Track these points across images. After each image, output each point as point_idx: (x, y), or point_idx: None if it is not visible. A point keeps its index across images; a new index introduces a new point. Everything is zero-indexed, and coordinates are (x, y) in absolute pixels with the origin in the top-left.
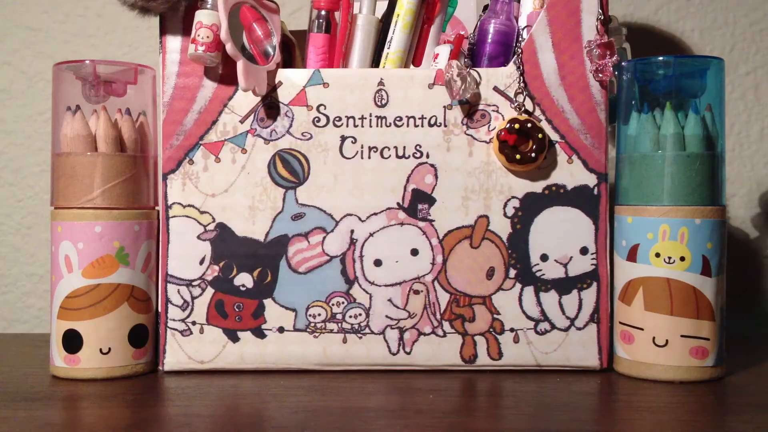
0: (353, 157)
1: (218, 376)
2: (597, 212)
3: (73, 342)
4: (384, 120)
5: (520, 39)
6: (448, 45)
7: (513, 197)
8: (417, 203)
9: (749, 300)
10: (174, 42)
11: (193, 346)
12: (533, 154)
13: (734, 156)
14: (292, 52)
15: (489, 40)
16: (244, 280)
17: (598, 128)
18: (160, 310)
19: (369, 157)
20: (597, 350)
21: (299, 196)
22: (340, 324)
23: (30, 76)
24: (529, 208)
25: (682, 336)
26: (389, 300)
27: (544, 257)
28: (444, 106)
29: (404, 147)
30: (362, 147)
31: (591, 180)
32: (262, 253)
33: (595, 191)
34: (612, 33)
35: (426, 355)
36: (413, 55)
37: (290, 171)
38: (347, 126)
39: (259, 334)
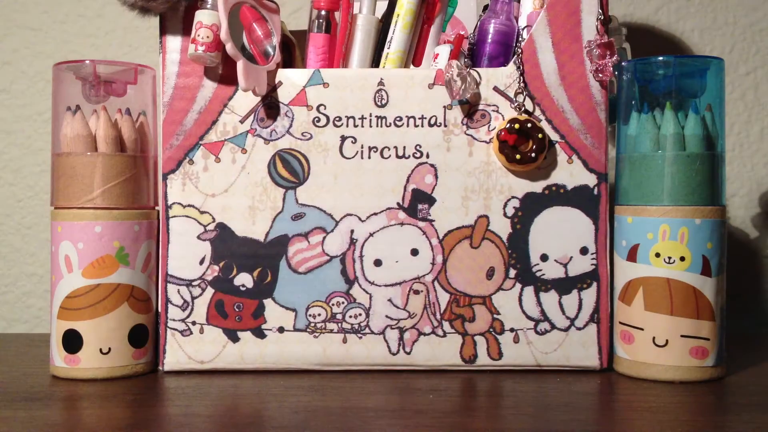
0: (353, 157)
1: (218, 376)
2: (597, 212)
3: (73, 342)
4: (384, 120)
5: (520, 39)
6: (448, 45)
7: (513, 197)
8: (417, 203)
9: (749, 300)
10: (174, 42)
11: (193, 346)
12: (533, 154)
13: (734, 156)
14: (292, 52)
15: (489, 40)
16: (244, 280)
17: (598, 128)
18: (160, 310)
19: (369, 157)
20: (597, 350)
21: (299, 196)
22: (340, 324)
23: (30, 76)
24: (529, 208)
25: (682, 336)
26: (389, 300)
27: (544, 257)
28: (444, 106)
29: (404, 147)
30: (362, 147)
31: (591, 180)
32: (262, 253)
33: (595, 191)
34: (612, 33)
35: (426, 355)
36: (413, 55)
37: (290, 171)
38: (347, 126)
39: (259, 334)
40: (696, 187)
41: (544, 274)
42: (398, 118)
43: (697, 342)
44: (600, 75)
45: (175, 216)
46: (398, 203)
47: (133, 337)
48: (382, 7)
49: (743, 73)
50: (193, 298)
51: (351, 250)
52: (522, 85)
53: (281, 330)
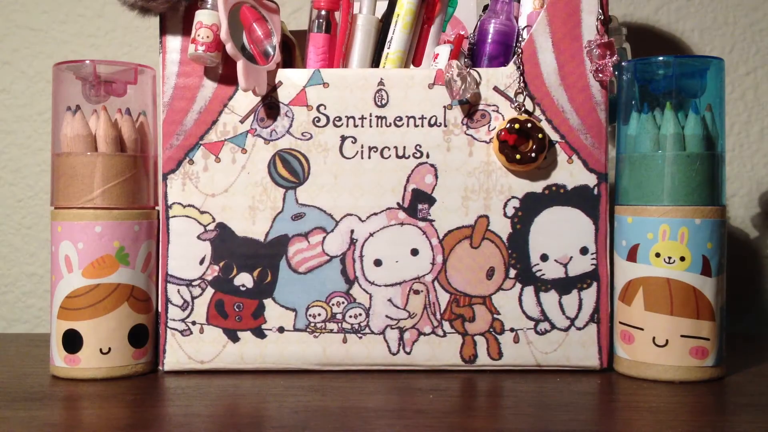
0: (353, 157)
1: (218, 376)
2: (597, 212)
3: (73, 342)
4: (384, 120)
5: (520, 39)
6: (448, 45)
7: (513, 197)
8: (417, 203)
9: (749, 300)
10: (174, 42)
11: (193, 346)
12: (533, 154)
13: (734, 156)
14: (292, 52)
15: (489, 40)
16: (244, 280)
17: (598, 128)
18: (160, 310)
19: (369, 157)
20: (597, 350)
21: (299, 196)
22: (340, 324)
23: (30, 76)
24: (529, 208)
25: (682, 336)
26: (389, 300)
27: (544, 257)
28: (444, 106)
29: (404, 147)
30: (362, 147)
31: (591, 180)
32: (262, 253)
33: (595, 191)
34: (612, 33)
35: (426, 355)
36: (413, 55)
37: (290, 171)
38: (347, 126)
39: (259, 334)
40: (696, 187)
41: (544, 274)
42: (398, 118)
43: (697, 342)
44: (600, 75)
45: (175, 216)
46: (398, 203)
47: (133, 337)
48: (382, 7)
49: (743, 73)
50: (193, 298)
51: (351, 250)
52: (522, 85)
53: (281, 330)
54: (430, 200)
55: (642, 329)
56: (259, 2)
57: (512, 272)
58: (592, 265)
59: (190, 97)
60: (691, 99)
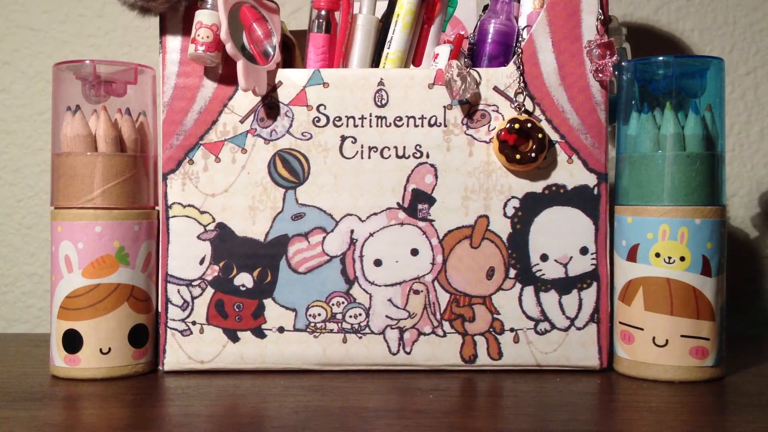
0: (353, 157)
1: (218, 376)
2: (597, 212)
3: (73, 342)
4: (384, 120)
5: (520, 39)
6: (448, 45)
7: (513, 197)
8: (417, 203)
9: (749, 300)
10: (174, 42)
11: (193, 346)
12: (533, 154)
13: (734, 156)
14: (292, 52)
15: (489, 40)
16: (244, 280)
17: (598, 128)
18: (160, 310)
19: (369, 157)
20: (597, 350)
21: (299, 196)
22: (340, 324)
23: (30, 76)
24: (529, 208)
25: (682, 336)
26: (389, 300)
27: (544, 257)
28: (444, 106)
29: (404, 147)
30: (362, 147)
31: (591, 180)
32: (262, 253)
33: (595, 191)
34: (612, 33)
35: (426, 355)
36: (413, 55)
37: (290, 171)
38: (347, 126)
39: (259, 334)
40: (696, 187)
41: (544, 274)
42: (398, 118)
43: (697, 342)
44: (600, 75)
45: (175, 216)
46: (398, 203)
47: (133, 337)
48: (382, 7)
49: (743, 73)
50: (193, 298)
51: (351, 250)
52: (522, 85)
53: (281, 330)
54: (430, 200)
55: (642, 329)
56: (259, 2)
57: (512, 272)
58: (592, 265)
59: (190, 97)
60: (691, 99)
